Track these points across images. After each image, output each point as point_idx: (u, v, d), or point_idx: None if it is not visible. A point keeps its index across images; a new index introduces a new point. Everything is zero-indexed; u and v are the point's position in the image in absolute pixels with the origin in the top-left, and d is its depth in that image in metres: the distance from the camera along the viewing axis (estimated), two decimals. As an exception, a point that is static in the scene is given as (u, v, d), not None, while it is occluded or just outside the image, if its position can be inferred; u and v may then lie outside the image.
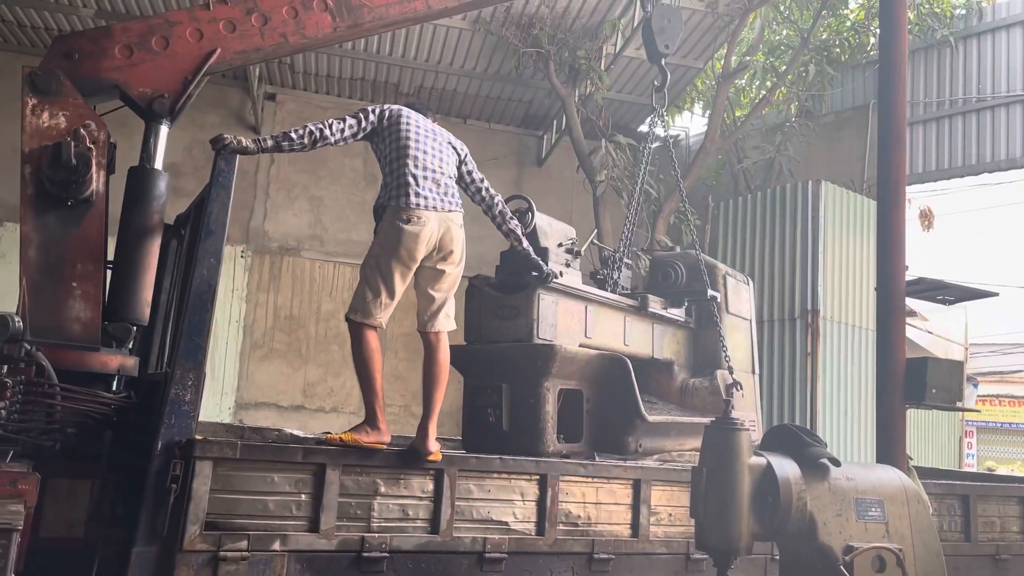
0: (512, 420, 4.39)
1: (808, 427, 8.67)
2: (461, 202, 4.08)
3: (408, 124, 4.07)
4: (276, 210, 11.45)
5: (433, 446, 3.73)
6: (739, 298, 6.15)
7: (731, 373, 5.63)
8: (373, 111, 4.10)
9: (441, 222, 3.92)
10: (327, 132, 3.91)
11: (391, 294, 3.91)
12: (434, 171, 3.98)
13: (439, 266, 3.96)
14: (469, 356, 4.70)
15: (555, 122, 12.13)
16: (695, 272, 5.76)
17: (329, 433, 3.71)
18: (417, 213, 3.88)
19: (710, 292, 5.47)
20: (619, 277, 5.57)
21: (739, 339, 6.06)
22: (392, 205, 3.91)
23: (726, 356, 5.60)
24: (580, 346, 4.64)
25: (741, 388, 5.66)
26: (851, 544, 2.97)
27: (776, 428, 3.39)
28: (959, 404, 4.78)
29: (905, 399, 4.56)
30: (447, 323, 4.00)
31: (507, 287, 4.56)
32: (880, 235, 4.79)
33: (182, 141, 11.12)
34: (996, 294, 5.45)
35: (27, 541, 3.01)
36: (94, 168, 4.11)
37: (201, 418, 6.38)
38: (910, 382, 4.50)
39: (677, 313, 5.69)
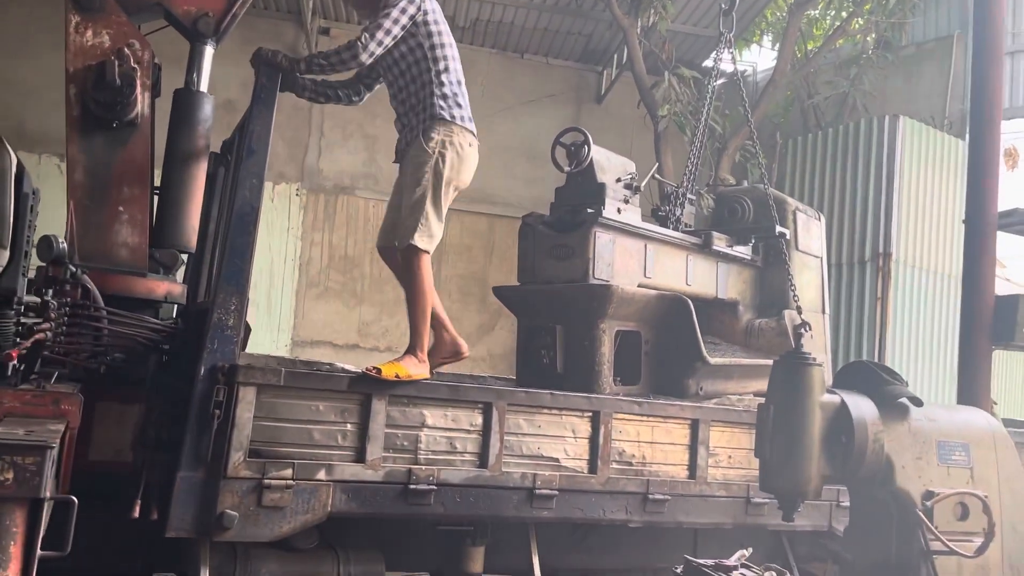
0: (567, 362, 4.21)
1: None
2: None
3: (441, 20, 3.82)
4: (330, 148, 11.35)
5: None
6: (809, 234, 5.82)
7: (799, 313, 5.34)
8: (403, 10, 3.67)
9: None
10: (359, 48, 3.60)
11: (443, 221, 3.75)
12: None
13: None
14: (522, 296, 4.52)
15: (616, 57, 11.70)
16: (763, 208, 5.44)
17: (370, 369, 3.55)
18: (473, 133, 3.72)
19: (778, 228, 5.16)
20: (682, 214, 5.29)
21: (809, 277, 5.75)
22: (457, 124, 3.73)
23: (795, 295, 5.31)
24: (639, 286, 4.42)
25: (810, 329, 5.38)
26: (931, 490, 2.74)
27: (852, 364, 3.15)
28: (1051, 345, 4.43)
29: (992, 339, 4.23)
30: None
31: (562, 225, 4.34)
32: (972, 161, 4.41)
33: (237, 77, 10.96)
34: (1094, 225, 5.09)
35: (70, 463, 2.96)
36: (139, 89, 3.99)
37: (257, 351, 6.41)
38: (998, 321, 4.17)
39: (743, 251, 5.40)
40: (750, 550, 3.39)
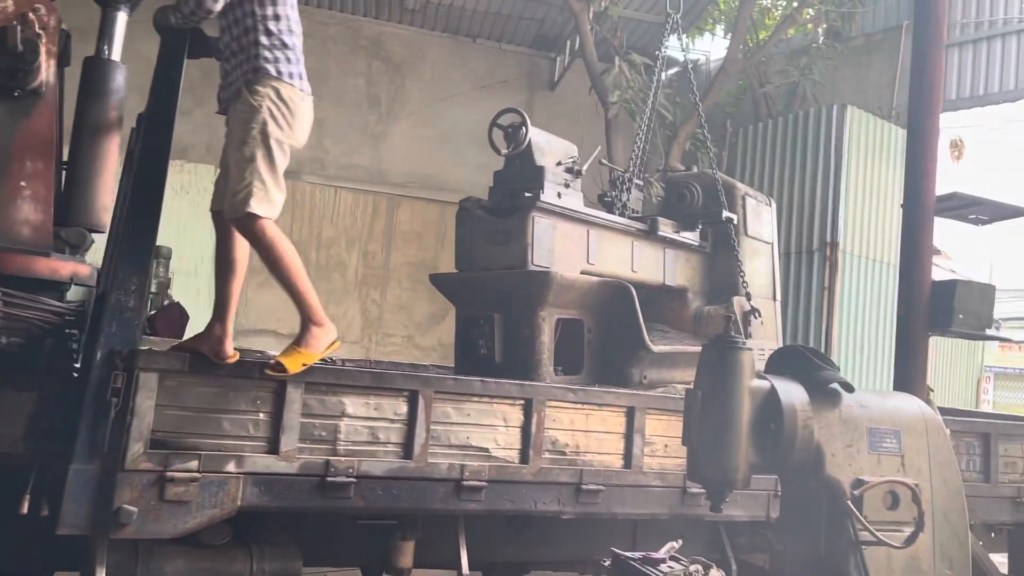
0: (506, 352, 4.06)
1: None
2: None
3: None
4: (276, 131, 11.02)
5: (229, 349, 3.21)
6: (759, 220, 5.74)
7: (749, 299, 5.26)
8: None
9: None
10: None
11: (281, 183, 3.39)
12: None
13: None
14: (460, 284, 4.36)
15: (569, 43, 11.56)
16: (712, 193, 5.36)
17: (272, 366, 3.17)
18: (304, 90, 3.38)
19: (725, 213, 5.07)
20: (628, 199, 5.17)
21: (759, 263, 5.68)
22: (285, 81, 3.32)
23: (743, 281, 5.23)
24: (581, 273, 4.28)
25: (759, 315, 5.31)
26: (862, 478, 2.64)
27: (784, 349, 3.04)
28: (989, 332, 4.38)
29: (930, 325, 4.17)
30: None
31: (500, 210, 4.18)
32: (911, 143, 4.34)
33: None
34: (1036, 211, 5.09)
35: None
36: (43, 56, 3.72)
37: None
38: (936, 306, 4.12)
39: (691, 237, 5.30)
40: (680, 542, 3.27)
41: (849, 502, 2.58)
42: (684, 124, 9.58)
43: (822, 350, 8.42)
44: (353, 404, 3.35)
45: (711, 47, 12.36)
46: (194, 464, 3.03)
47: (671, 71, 12.35)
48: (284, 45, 3.33)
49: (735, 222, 5.13)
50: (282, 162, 3.33)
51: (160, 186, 3.20)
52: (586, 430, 3.82)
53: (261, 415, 3.19)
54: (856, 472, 2.66)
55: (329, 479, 3.24)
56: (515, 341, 4.03)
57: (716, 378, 2.68)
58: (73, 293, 3.94)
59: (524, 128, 4.13)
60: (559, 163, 4.25)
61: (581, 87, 11.14)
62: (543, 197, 4.03)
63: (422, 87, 11.55)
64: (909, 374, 4.13)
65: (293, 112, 3.33)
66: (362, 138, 11.36)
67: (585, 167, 4.41)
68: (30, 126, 3.78)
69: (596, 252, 4.37)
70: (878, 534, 2.53)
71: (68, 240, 3.93)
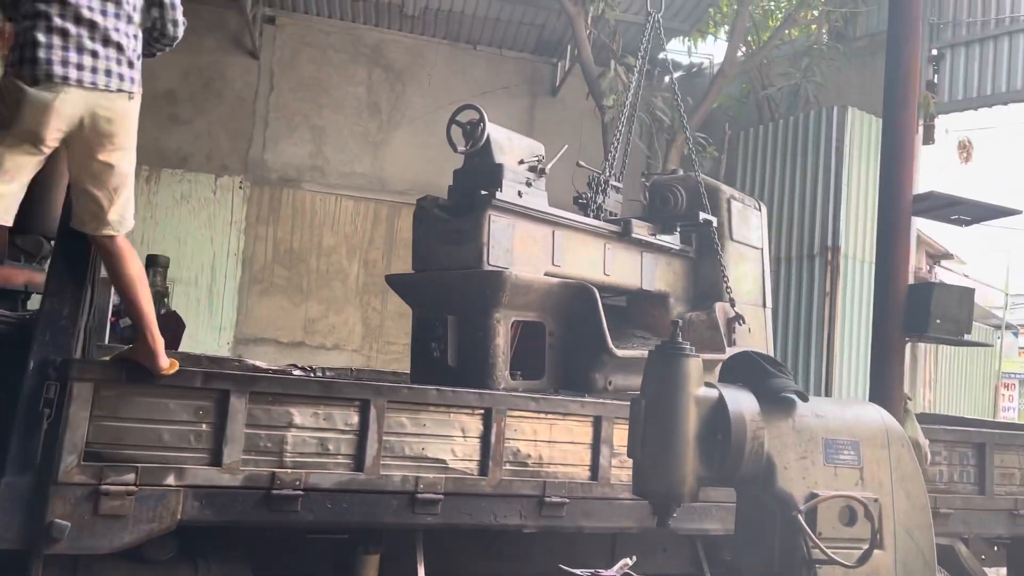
0: (460, 355, 3.93)
1: (823, 372, 8.14)
2: None
3: None
4: (276, 140, 11.02)
5: (164, 361, 3.02)
6: (746, 224, 5.59)
7: (733, 305, 5.11)
8: None
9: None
10: None
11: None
12: None
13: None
14: (415, 285, 4.25)
15: (570, 48, 11.44)
16: (696, 197, 5.22)
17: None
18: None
19: (703, 216, 4.92)
20: (604, 201, 5.04)
21: (746, 269, 5.52)
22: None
23: (727, 287, 5.08)
24: (545, 274, 4.15)
25: (744, 322, 5.15)
26: (816, 492, 2.49)
27: (737, 356, 2.90)
28: (967, 337, 4.20)
29: (905, 330, 4.00)
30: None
31: (457, 209, 4.07)
32: (885, 141, 4.18)
33: (178, 66, 10.68)
34: (1020, 211, 4.85)
35: None
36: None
37: (197, 351, 6.05)
38: (912, 310, 3.94)
39: (669, 240, 5.16)
40: (634, 558, 3.14)
41: (801, 517, 2.44)
42: (681, 127, 9.41)
43: (824, 358, 8.23)
44: (301, 414, 3.25)
45: (715, 51, 12.21)
46: (131, 477, 2.94)
47: (674, 75, 12.26)
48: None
49: (715, 224, 4.98)
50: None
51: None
52: (550, 440, 3.69)
53: (203, 426, 3.09)
54: (810, 485, 2.51)
55: (275, 492, 3.14)
56: (469, 344, 3.90)
57: (661, 386, 2.55)
58: (35, 302, 3.88)
59: (482, 125, 4.02)
60: (521, 161, 4.13)
61: (583, 92, 11.02)
62: (501, 195, 3.91)
63: (423, 94, 11.48)
64: (884, 381, 3.96)
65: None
66: (363, 146, 11.31)
67: (549, 166, 4.29)
68: (-15, 132, 3.72)
69: (562, 253, 4.24)
70: (831, 552, 2.38)
71: (24, 248, 3.88)
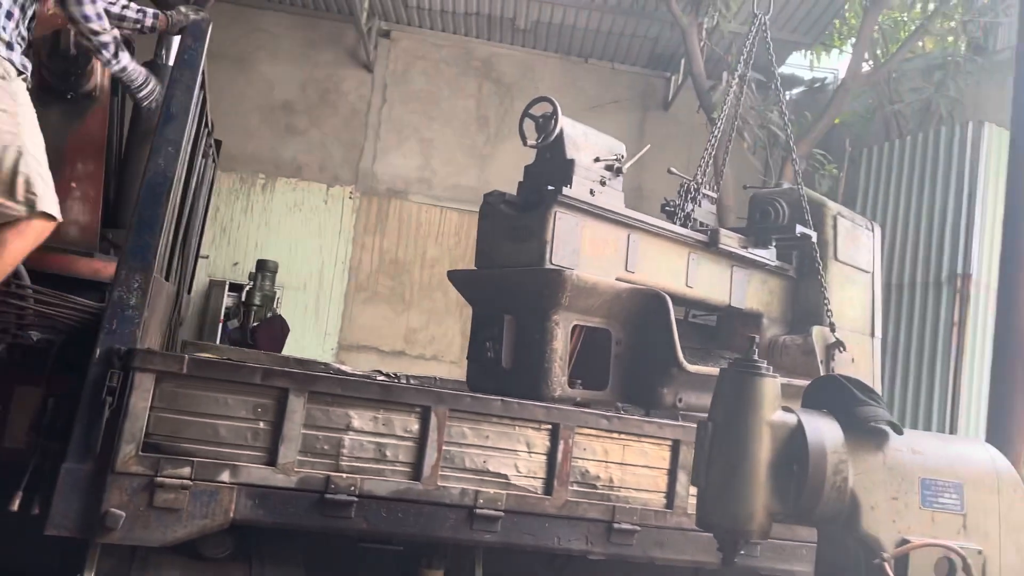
0: (515, 357, 3.74)
1: (947, 411, 7.45)
2: None
3: None
4: (386, 151, 11.20)
5: None
6: (855, 244, 5.17)
7: (833, 330, 4.72)
8: None
9: None
10: None
11: None
12: None
13: None
14: (475, 282, 4.09)
15: (683, 61, 11.13)
16: (799, 211, 4.86)
17: None
18: None
19: (800, 229, 4.57)
20: (693, 210, 4.75)
21: (852, 293, 5.10)
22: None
23: (828, 310, 4.69)
24: (617, 279, 3.91)
25: (844, 349, 4.75)
26: (909, 538, 2.17)
27: (822, 379, 2.59)
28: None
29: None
30: None
31: (524, 204, 3.89)
32: (1012, 152, 3.73)
33: (295, 78, 11.07)
34: None
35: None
36: (96, 60, 3.81)
37: (301, 355, 6.13)
38: (1040, 341, 3.49)
39: (763, 255, 4.81)
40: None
41: (888, 565, 2.12)
42: (799, 143, 8.94)
43: (949, 394, 7.54)
44: (360, 418, 3.15)
45: (841, 65, 11.59)
46: (186, 471, 2.91)
47: (795, 90, 11.71)
48: None
49: (814, 240, 4.60)
50: None
51: (169, 183, 3.11)
52: (622, 462, 3.47)
53: (261, 424, 3.04)
54: (901, 530, 2.19)
55: (329, 496, 3.05)
56: (525, 346, 3.71)
57: (731, 408, 2.30)
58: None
59: (555, 119, 3.83)
60: (597, 159, 3.92)
61: (695, 106, 10.69)
62: (570, 192, 3.71)
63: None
64: (1003, 419, 3.50)
65: None
66: (470, 159, 11.35)
67: (627, 166, 4.06)
68: (82, 128, 3.87)
69: (638, 259, 3.99)
70: (923, 610, 2.06)
71: (115, 242, 3.98)
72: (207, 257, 9.72)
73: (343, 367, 5.52)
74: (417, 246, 11.13)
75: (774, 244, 4.74)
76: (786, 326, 4.97)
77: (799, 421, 2.26)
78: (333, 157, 11.11)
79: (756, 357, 2.34)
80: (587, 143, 3.94)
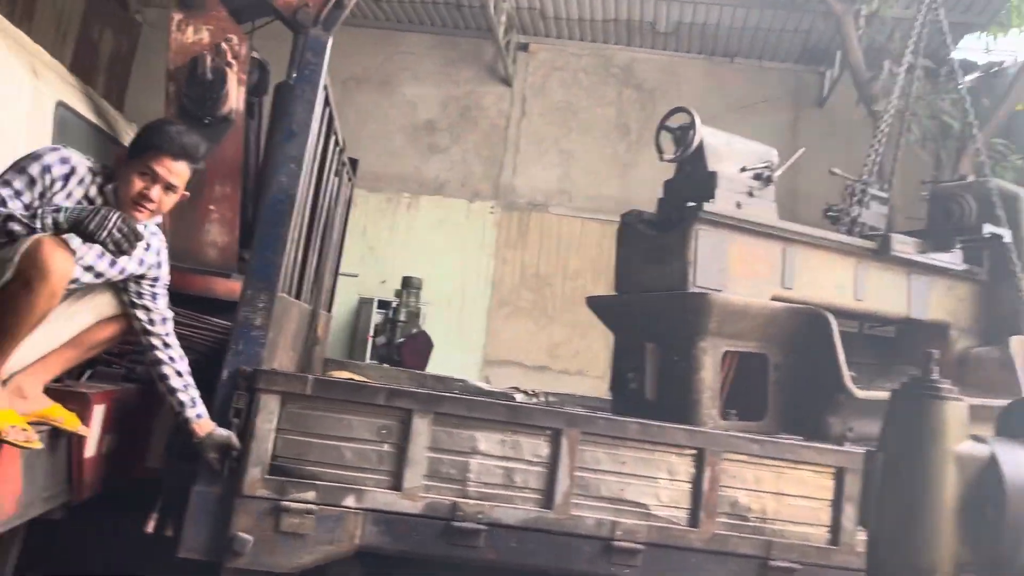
0: (660, 388, 3.45)
1: None
2: None
3: None
4: (526, 164, 11.13)
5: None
6: (1058, 241, 4.53)
7: (1037, 341, 4.13)
8: None
9: None
10: None
11: None
12: None
13: None
14: (615, 308, 3.83)
15: (839, 53, 10.39)
16: (989, 207, 4.30)
17: None
18: None
19: (988, 228, 4.01)
20: (861, 214, 4.30)
21: (1057, 299, 4.46)
22: None
23: (1027, 317, 4.12)
24: (774, 298, 3.55)
25: (1045, 362, 4.14)
26: None
27: (1020, 401, 2.16)
28: None
29: None
30: None
31: (663, 223, 3.60)
32: None
33: (437, 98, 11.22)
34: None
35: (85, 465, 2.78)
36: (232, 84, 3.88)
37: (445, 372, 6.13)
38: None
39: (946, 259, 4.28)
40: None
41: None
42: (979, 132, 8.08)
43: None
44: (487, 440, 2.98)
45: (1021, 46, 10.48)
46: (312, 495, 2.85)
47: (969, 76, 10.68)
48: None
49: (1007, 240, 4.03)
50: None
51: (292, 200, 3.07)
52: (777, 492, 3.10)
53: (385, 446, 2.93)
54: None
55: (456, 524, 2.90)
56: (671, 376, 3.40)
57: (907, 437, 1.93)
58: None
59: (692, 130, 3.52)
60: (743, 168, 3.57)
61: (853, 101, 9.94)
62: (713, 207, 3.38)
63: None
64: None
65: None
66: (611, 168, 11.09)
67: (778, 173, 3.68)
68: (219, 152, 3.94)
69: (795, 273, 3.59)
70: None
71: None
72: (356, 276, 9.96)
73: (482, 384, 5.40)
74: (559, 259, 10.96)
75: (959, 246, 4.19)
76: (977, 337, 4.41)
77: (992, 454, 1.87)
78: (474, 173, 11.16)
79: (935, 376, 1.96)
80: (731, 152, 3.62)
